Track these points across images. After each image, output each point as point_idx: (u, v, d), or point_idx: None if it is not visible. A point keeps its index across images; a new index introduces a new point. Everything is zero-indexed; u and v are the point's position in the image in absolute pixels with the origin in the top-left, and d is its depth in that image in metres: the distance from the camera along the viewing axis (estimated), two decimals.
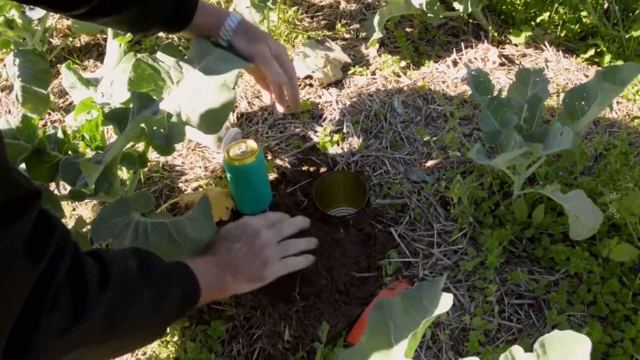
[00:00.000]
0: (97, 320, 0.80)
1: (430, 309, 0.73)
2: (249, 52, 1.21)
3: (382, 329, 0.76)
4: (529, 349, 0.69)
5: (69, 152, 1.27)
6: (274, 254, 1.18)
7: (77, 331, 0.76)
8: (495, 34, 1.86)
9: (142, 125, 1.20)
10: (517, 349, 0.70)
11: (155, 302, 0.93)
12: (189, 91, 1.23)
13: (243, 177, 1.35)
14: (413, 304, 0.76)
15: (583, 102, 1.15)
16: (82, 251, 0.83)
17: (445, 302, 0.73)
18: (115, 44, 1.48)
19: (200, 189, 1.52)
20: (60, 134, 1.26)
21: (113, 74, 1.50)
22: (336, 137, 1.59)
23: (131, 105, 1.17)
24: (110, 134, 1.70)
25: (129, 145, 1.35)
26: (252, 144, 1.34)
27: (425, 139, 1.55)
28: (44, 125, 1.93)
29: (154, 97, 1.18)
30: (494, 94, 1.21)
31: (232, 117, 1.72)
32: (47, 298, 0.72)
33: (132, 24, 1.20)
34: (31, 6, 1.74)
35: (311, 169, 1.54)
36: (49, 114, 1.94)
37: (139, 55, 1.26)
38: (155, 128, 1.22)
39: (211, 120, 1.21)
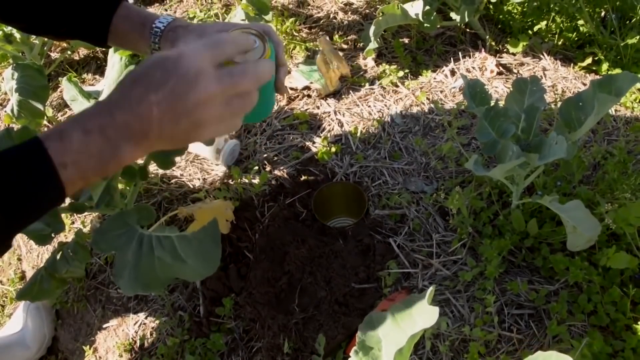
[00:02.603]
0: None
1: (420, 322, 0.73)
2: None
3: (372, 343, 0.76)
4: None
5: None
6: (216, 114, 0.73)
7: None
8: (493, 43, 1.86)
9: None
10: None
11: None
12: None
13: None
14: (403, 318, 0.75)
15: (579, 112, 1.15)
16: None
17: (431, 315, 0.72)
18: (116, 57, 1.49)
19: (200, 201, 1.52)
20: None
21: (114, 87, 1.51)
22: (334, 147, 1.59)
23: None
24: None
25: None
26: (260, 42, 0.83)
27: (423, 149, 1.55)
28: None
29: None
30: (491, 104, 1.22)
31: None
32: None
33: (26, 12, 0.98)
34: None
35: (310, 179, 1.54)
36: (48, 127, 1.95)
37: None
38: None
39: None
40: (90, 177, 0.71)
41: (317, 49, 1.91)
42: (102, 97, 1.55)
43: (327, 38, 1.87)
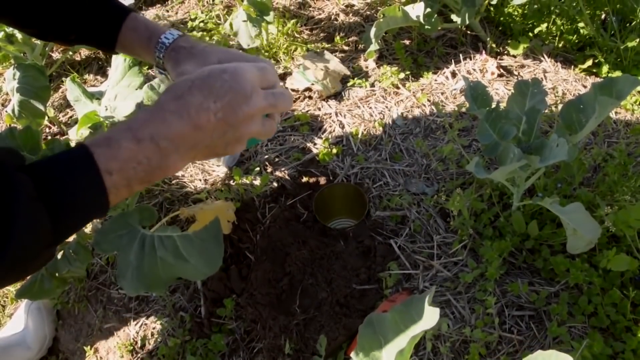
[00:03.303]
0: None
1: (421, 323, 0.73)
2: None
3: (373, 344, 0.76)
4: None
5: None
6: (253, 131, 0.80)
7: None
8: (494, 45, 1.87)
9: None
10: None
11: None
12: None
13: None
14: (403, 319, 0.75)
15: (580, 114, 1.15)
16: None
17: (431, 316, 0.72)
18: (120, 59, 1.50)
19: (201, 202, 1.52)
20: (63, 147, 1.27)
21: (117, 88, 1.51)
22: (336, 149, 1.60)
23: None
24: None
25: None
26: None
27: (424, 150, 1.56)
28: (44, 139, 1.93)
29: None
30: (492, 106, 1.22)
31: None
32: None
33: (38, 19, 0.98)
34: None
35: (311, 181, 1.55)
36: (49, 127, 1.95)
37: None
38: None
39: None
40: (135, 186, 0.72)
41: (317, 50, 1.91)
42: (105, 98, 1.55)
43: (310, 53, 1.85)
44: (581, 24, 1.86)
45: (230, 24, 1.76)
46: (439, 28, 1.81)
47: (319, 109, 1.75)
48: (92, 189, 0.68)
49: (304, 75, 1.77)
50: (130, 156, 0.69)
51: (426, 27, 1.76)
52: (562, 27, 1.88)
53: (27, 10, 0.96)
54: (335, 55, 1.87)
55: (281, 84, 1.72)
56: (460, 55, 1.85)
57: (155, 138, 0.71)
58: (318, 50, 1.92)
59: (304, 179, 1.55)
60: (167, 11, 2.28)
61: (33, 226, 0.63)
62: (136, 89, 1.50)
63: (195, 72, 0.77)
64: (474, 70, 1.80)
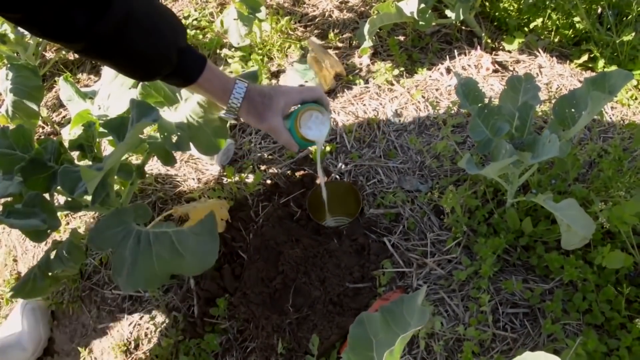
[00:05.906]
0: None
1: (411, 323, 0.72)
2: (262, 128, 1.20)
3: (364, 344, 0.75)
4: None
5: (65, 163, 1.27)
6: None
7: None
8: (489, 41, 1.85)
9: (141, 135, 1.22)
10: None
11: None
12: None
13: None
14: (394, 319, 0.75)
15: (573, 110, 1.14)
16: None
17: (422, 317, 0.72)
18: None
19: (194, 201, 1.51)
20: (57, 145, 1.27)
21: (110, 87, 1.50)
22: (329, 146, 1.59)
23: (129, 115, 1.17)
24: (104, 146, 1.69)
25: (124, 156, 1.35)
26: (327, 120, 1.23)
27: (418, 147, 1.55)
28: (38, 139, 1.93)
29: (153, 106, 1.18)
30: (485, 102, 1.21)
31: None
32: None
33: (132, 67, 1.07)
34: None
35: (304, 179, 1.54)
36: (42, 127, 1.94)
37: None
38: (166, 134, 1.22)
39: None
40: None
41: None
42: (98, 97, 1.54)
43: (315, 38, 1.87)
44: (577, 19, 1.84)
45: (221, 22, 1.75)
46: (434, 24, 1.80)
47: None
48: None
49: (297, 72, 1.76)
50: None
51: (420, 23, 1.75)
52: (557, 22, 1.86)
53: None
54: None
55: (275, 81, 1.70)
56: (455, 51, 1.84)
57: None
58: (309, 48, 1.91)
59: (298, 177, 1.54)
60: None
61: None
62: (129, 88, 1.50)
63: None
64: (469, 66, 1.79)
